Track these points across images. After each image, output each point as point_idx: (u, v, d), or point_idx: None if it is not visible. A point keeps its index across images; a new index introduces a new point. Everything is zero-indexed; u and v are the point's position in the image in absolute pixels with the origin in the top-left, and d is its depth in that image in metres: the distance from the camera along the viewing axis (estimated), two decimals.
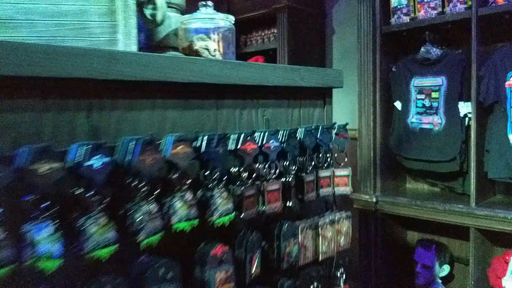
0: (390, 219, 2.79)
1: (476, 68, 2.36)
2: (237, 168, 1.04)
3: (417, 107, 2.70)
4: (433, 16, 2.52)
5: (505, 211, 2.26)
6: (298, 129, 1.22)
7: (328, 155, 1.31)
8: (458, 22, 2.43)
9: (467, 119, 2.50)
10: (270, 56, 3.47)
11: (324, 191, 1.29)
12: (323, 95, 1.45)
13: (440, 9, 2.50)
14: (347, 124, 1.36)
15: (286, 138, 1.16)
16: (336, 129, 1.36)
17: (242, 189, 1.02)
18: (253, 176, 1.08)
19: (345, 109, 2.52)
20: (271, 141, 1.10)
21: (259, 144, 1.08)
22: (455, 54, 2.54)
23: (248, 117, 1.16)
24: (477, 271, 2.42)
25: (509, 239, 2.37)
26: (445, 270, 2.66)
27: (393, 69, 2.77)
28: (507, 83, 2.35)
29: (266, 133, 1.09)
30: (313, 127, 1.26)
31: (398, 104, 2.78)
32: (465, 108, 2.48)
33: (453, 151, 2.53)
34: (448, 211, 2.44)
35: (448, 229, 2.63)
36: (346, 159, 1.36)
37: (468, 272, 2.45)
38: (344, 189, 1.33)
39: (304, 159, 1.23)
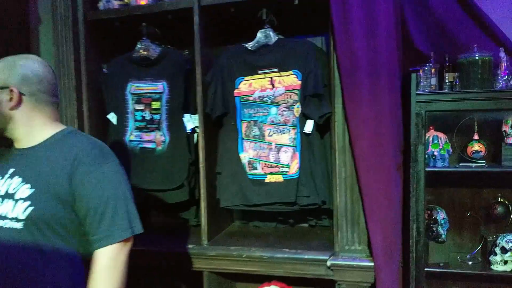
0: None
1: (201, 72, 1.67)
2: None
3: (136, 120, 1.87)
4: (149, 3, 1.73)
5: (240, 247, 1.74)
6: None
7: None
8: (180, 13, 1.74)
9: (195, 135, 1.78)
10: None
11: None
12: None
13: None
14: None
15: None
16: None
17: None
18: None
19: None
20: None
21: None
22: (176, 53, 1.83)
23: None
24: None
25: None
26: None
27: (104, 70, 1.86)
28: (235, 91, 1.74)
29: None
30: None
31: (112, 117, 1.88)
32: (192, 121, 1.76)
33: (181, 177, 1.80)
34: (183, 254, 1.66)
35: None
36: None
37: None
38: None
39: None
